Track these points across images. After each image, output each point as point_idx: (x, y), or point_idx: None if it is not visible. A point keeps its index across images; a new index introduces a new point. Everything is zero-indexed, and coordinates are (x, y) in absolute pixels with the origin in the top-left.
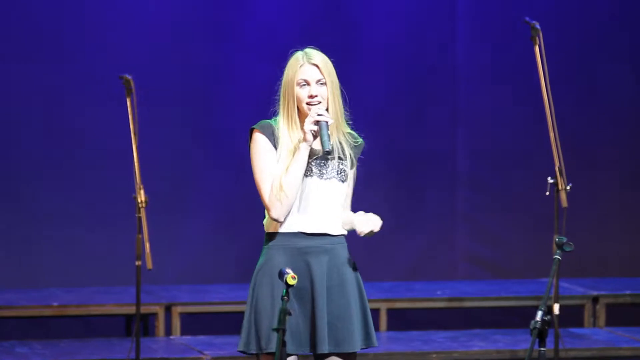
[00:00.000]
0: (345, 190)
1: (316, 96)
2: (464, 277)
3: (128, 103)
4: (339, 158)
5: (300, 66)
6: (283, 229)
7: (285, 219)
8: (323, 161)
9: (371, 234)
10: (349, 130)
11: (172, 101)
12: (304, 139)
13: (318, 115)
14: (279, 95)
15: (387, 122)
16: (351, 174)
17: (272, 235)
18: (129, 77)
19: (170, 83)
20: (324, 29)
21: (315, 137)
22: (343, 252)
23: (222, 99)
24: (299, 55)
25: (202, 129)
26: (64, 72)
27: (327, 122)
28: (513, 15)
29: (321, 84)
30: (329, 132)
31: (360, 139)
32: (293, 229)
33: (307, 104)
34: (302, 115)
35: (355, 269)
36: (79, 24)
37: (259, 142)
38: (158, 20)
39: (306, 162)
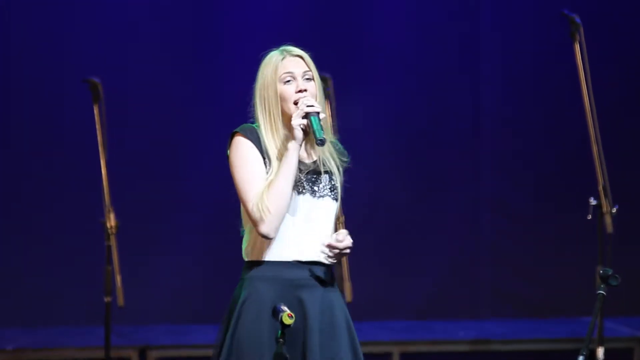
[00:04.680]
0: (337, 210)
1: (305, 90)
2: (491, 315)
3: (95, 110)
4: (329, 172)
5: (283, 59)
6: (271, 256)
7: (273, 245)
8: (314, 176)
9: (332, 252)
10: (332, 138)
11: (147, 111)
12: (292, 137)
13: (307, 106)
14: (254, 103)
15: (401, 139)
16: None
17: (257, 264)
18: (96, 80)
19: (146, 91)
20: (329, 32)
21: (305, 133)
22: (334, 286)
23: (205, 110)
24: (276, 51)
25: (182, 141)
26: (17, 76)
27: (318, 112)
28: (548, 7)
29: (307, 78)
30: (321, 123)
31: (346, 155)
32: (284, 257)
33: (295, 102)
34: (288, 121)
35: (343, 303)
36: (41, 24)
37: (244, 146)
38: (132, 23)
39: (297, 166)
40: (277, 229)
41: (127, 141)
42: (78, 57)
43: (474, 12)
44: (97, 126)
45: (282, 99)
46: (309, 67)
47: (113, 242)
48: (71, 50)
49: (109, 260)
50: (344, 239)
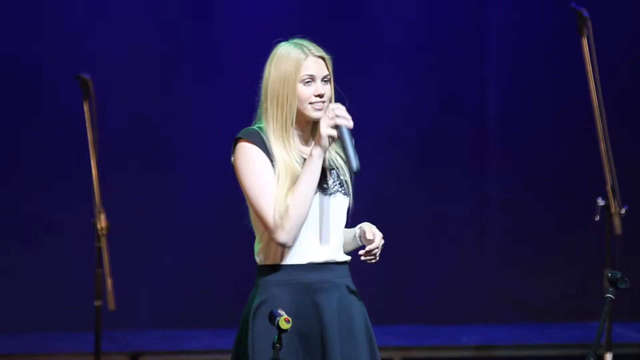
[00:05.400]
0: (348, 206)
1: (324, 95)
2: (496, 319)
3: (85, 107)
4: (337, 168)
5: (305, 59)
6: (285, 260)
7: (287, 248)
8: (322, 174)
9: (372, 255)
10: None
11: (140, 108)
12: (318, 143)
13: (338, 116)
14: (264, 95)
15: (404, 135)
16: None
17: (272, 268)
18: (86, 76)
19: (139, 88)
20: (332, 28)
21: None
22: (351, 286)
23: (200, 107)
24: (296, 47)
25: (176, 140)
26: (3, 72)
27: (348, 127)
28: (555, 2)
29: (326, 81)
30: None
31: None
32: (299, 260)
33: (311, 103)
34: (300, 120)
35: (362, 305)
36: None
37: (253, 153)
38: (126, 18)
39: (319, 173)
40: (295, 237)
41: (119, 139)
42: (68, 53)
43: (480, 8)
44: (88, 124)
45: (299, 99)
46: (328, 71)
47: (104, 243)
48: (61, 45)
49: (100, 263)
50: (374, 236)
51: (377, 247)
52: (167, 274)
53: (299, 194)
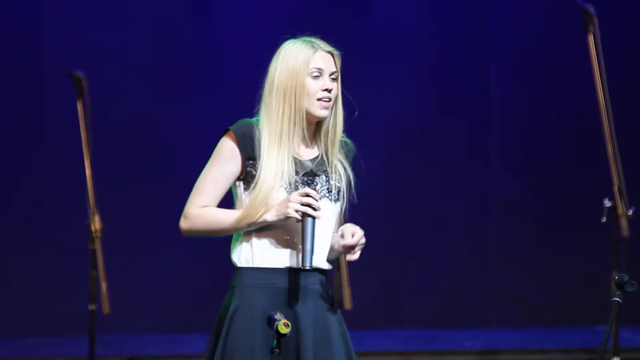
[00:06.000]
0: (338, 212)
1: (331, 90)
2: (499, 323)
3: (79, 106)
4: (327, 172)
5: (314, 53)
6: (263, 263)
7: (264, 251)
8: (310, 178)
9: (352, 251)
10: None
11: (135, 107)
12: (277, 214)
13: (306, 205)
14: (269, 91)
15: (404, 135)
16: (344, 187)
17: (247, 271)
18: (80, 74)
19: (134, 86)
20: (334, 27)
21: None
22: (327, 293)
23: (196, 107)
24: (304, 43)
25: (173, 140)
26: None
27: (315, 219)
28: (557, 2)
29: (333, 78)
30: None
31: (351, 143)
32: (276, 264)
33: (318, 99)
34: (307, 114)
35: (337, 312)
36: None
37: (225, 150)
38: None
39: (247, 228)
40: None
41: (119, 139)
42: (67, 52)
43: (481, 8)
44: (81, 123)
45: (307, 93)
46: (337, 68)
47: (98, 246)
48: (60, 45)
49: (94, 266)
50: (354, 233)
51: (356, 244)
52: (161, 278)
53: (214, 222)
